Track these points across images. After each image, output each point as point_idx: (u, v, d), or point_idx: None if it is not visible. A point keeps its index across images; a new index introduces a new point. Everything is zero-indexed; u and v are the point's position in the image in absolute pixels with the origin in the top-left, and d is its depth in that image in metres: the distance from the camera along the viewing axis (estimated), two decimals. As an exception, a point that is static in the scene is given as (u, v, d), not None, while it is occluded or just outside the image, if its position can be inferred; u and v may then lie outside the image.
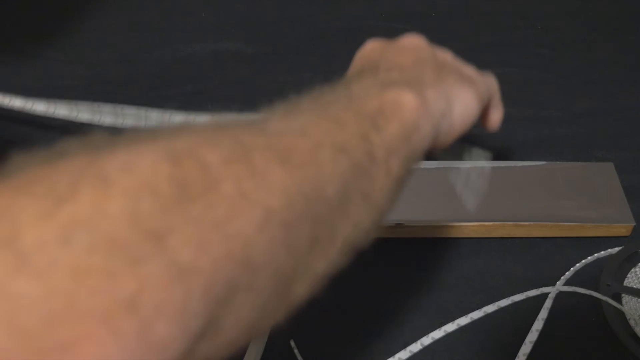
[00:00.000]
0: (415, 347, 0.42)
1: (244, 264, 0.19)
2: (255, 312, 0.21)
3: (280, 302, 0.23)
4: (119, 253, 0.17)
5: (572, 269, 0.47)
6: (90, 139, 0.19)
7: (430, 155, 0.31)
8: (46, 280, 0.16)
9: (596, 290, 0.44)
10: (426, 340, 0.42)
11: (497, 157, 0.54)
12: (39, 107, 0.54)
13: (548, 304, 0.44)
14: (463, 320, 0.43)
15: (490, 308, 0.44)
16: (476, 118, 0.34)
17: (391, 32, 0.68)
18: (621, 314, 0.43)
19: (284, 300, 0.23)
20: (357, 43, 0.69)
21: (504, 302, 0.44)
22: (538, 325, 0.43)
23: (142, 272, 0.17)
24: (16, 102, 0.54)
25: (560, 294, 0.45)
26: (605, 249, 0.48)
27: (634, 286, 0.45)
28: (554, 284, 0.45)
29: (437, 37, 0.67)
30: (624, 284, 0.45)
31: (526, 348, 0.42)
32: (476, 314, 0.43)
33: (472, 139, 0.57)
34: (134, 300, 0.17)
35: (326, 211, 0.23)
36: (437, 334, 0.43)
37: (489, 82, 0.38)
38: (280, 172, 0.21)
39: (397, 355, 0.42)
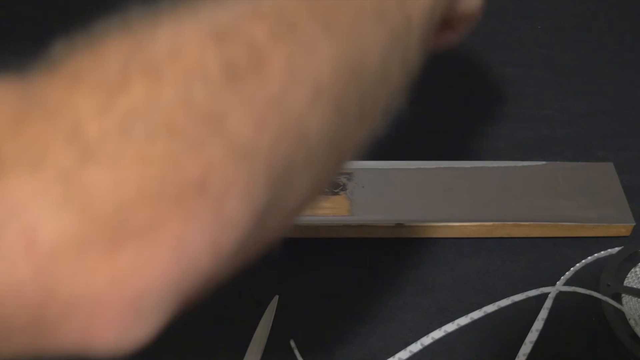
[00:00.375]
0: (415, 347, 0.42)
1: (300, 138, 0.19)
2: (312, 182, 0.21)
3: (332, 170, 0.23)
4: (180, 139, 0.17)
5: (572, 269, 0.47)
6: (128, 17, 0.19)
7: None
8: (115, 170, 0.16)
9: (596, 290, 0.44)
10: (426, 340, 0.42)
11: (497, 157, 0.54)
12: None
13: (548, 304, 0.44)
14: (463, 320, 0.43)
15: (490, 308, 0.44)
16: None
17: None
18: (621, 314, 0.43)
19: (335, 168, 0.23)
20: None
21: (504, 302, 0.44)
22: (538, 325, 0.43)
23: (205, 155, 0.17)
24: None
25: (560, 294, 0.45)
26: (605, 249, 0.48)
27: (634, 286, 0.45)
28: (554, 284, 0.45)
29: (437, 37, 0.68)
30: (624, 284, 0.45)
31: (526, 348, 0.42)
32: (476, 314, 0.43)
33: (476, 138, 0.57)
34: (202, 183, 0.17)
35: (370, 79, 0.22)
36: (437, 334, 0.43)
37: None
38: (327, 43, 0.20)
39: (397, 355, 0.42)
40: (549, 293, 0.44)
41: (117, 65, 0.17)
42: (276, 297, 0.46)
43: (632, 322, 0.43)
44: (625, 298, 0.44)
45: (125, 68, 0.17)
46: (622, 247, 0.47)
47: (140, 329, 0.18)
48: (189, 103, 0.17)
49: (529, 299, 0.44)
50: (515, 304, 0.44)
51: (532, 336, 0.42)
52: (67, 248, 0.16)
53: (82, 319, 0.17)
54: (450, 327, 0.43)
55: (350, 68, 0.21)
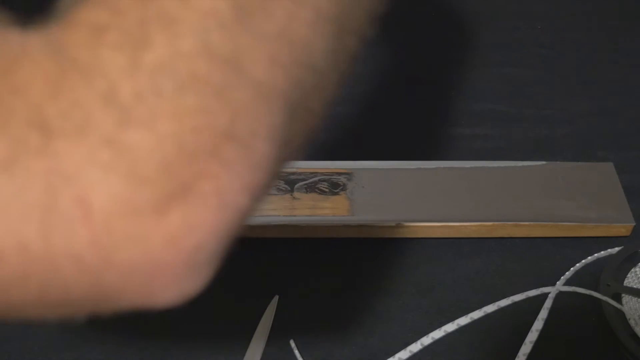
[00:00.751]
0: (415, 347, 0.42)
1: (309, 64, 0.20)
2: (321, 104, 0.22)
3: (336, 88, 0.23)
4: (206, 88, 0.17)
5: (572, 269, 0.47)
6: None
7: None
8: (153, 129, 0.16)
9: (596, 290, 0.44)
10: (426, 340, 0.42)
11: (497, 157, 0.54)
12: None
13: (548, 304, 0.44)
14: (463, 320, 0.43)
15: (490, 308, 0.44)
16: None
17: (391, 32, 0.68)
18: (621, 314, 0.43)
19: (338, 85, 0.23)
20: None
21: (504, 302, 0.44)
22: (538, 325, 0.43)
23: (231, 100, 0.17)
24: None
25: (560, 294, 0.45)
26: (605, 249, 0.48)
27: (634, 286, 0.45)
28: (554, 284, 0.45)
29: (437, 37, 0.68)
30: (624, 284, 0.45)
31: (526, 348, 0.42)
32: (476, 314, 0.43)
33: (476, 138, 0.57)
34: (231, 129, 0.17)
35: None
36: (437, 334, 0.43)
37: None
38: None
39: (397, 355, 0.42)
40: (549, 293, 0.44)
41: (135, 16, 0.17)
42: (276, 297, 0.46)
43: (632, 322, 0.43)
44: (625, 298, 0.44)
45: (143, 20, 0.17)
46: (622, 247, 0.47)
47: (197, 281, 0.19)
48: (209, 50, 0.17)
49: (529, 299, 0.44)
50: (515, 304, 0.44)
51: (532, 336, 0.42)
52: (120, 213, 0.16)
53: (141, 281, 0.18)
54: (450, 327, 0.43)
55: None
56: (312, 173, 0.51)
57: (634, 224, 0.48)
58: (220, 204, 0.17)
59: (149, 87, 0.17)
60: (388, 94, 0.61)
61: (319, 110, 0.22)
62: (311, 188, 0.50)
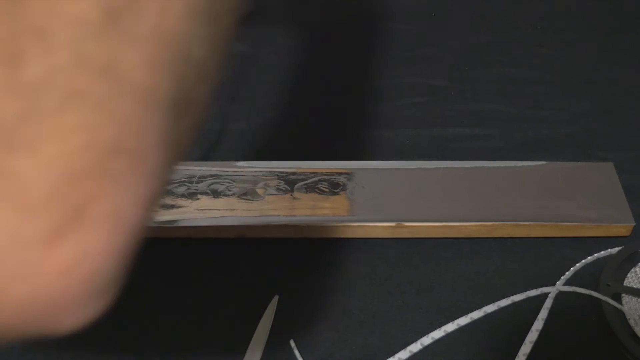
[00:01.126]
0: (415, 347, 0.42)
1: (188, 59, 0.19)
2: (206, 94, 0.21)
3: (218, 72, 0.22)
4: (86, 102, 0.16)
5: (572, 269, 0.47)
6: None
7: None
8: (39, 152, 0.15)
9: (596, 290, 0.44)
10: (426, 340, 0.42)
11: (497, 157, 0.54)
12: None
13: (548, 304, 0.44)
14: (463, 320, 0.43)
15: (490, 308, 0.44)
16: None
17: (391, 32, 0.68)
18: (621, 314, 0.43)
19: (220, 69, 0.22)
20: (357, 44, 0.69)
21: (504, 302, 0.44)
22: (538, 325, 0.43)
23: (114, 111, 0.16)
24: None
25: (560, 294, 0.45)
26: (605, 249, 0.48)
27: (634, 286, 0.45)
28: (554, 284, 0.45)
29: (437, 37, 0.68)
30: (624, 284, 0.45)
31: (526, 348, 0.42)
32: (476, 314, 0.43)
33: (476, 138, 0.57)
34: (118, 142, 0.16)
35: None
36: (437, 334, 0.43)
37: None
38: None
39: (397, 355, 0.42)
40: (549, 293, 0.44)
41: (6, 31, 0.16)
42: (276, 297, 0.46)
43: (632, 322, 0.43)
44: (625, 298, 0.44)
45: (14, 34, 0.16)
46: (622, 247, 0.47)
47: (99, 304, 0.18)
48: (84, 61, 0.16)
49: (529, 299, 0.44)
50: (515, 304, 0.44)
51: (532, 336, 0.42)
52: (9, 248, 0.16)
53: (39, 314, 0.17)
54: (450, 327, 0.43)
55: None
56: (312, 173, 0.51)
57: (634, 224, 0.48)
58: (115, 224, 0.17)
59: (31, 106, 0.16)
60: (388, 93, 0.61)
61: (204, 101, 0.21)
62: (311, 188, 0.50)
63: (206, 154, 0.55)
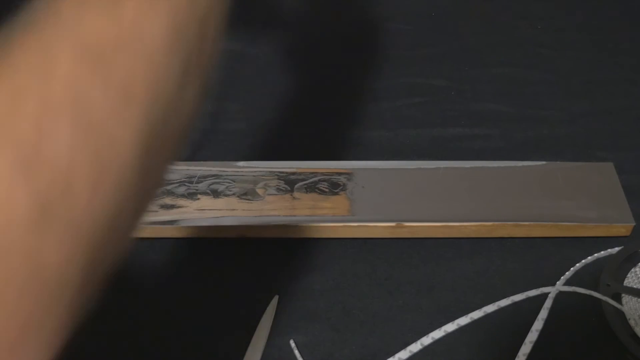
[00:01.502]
0: (415, 347, 0.42)
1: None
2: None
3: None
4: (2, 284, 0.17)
5: (572, 269, 0.47)
6: None
7: None
8: None
9: (596, 290, 0.44)
10: (426, 340, 0.42)
11: (497, 157, 0.54)
12: None
13: (548, 304, 0.44)
14: (463, 320, 0.43)
15: (490, 308, 0.44)
16: None
17: (391, 32, 0.68)
18: (621, 314, 0.43)
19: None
20: (357, 44, 0.69)
21: (504, 302, 0.44)
22: (538, 325, 0.43)
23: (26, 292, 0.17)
24: None
25: (560, 294, 0.45)
26: (605, 249, 0.48)
27: (634, 286, 0.45)
28: (554, 284, 0.45)
29: (437, 37, 0.68)
30: (624, 284, 0.45)
31: (526, 348, 0.42)
32: (476, 314, 0.43)
33: (476, 138, 0.57)
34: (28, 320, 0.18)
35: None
36: (437, 334, 0.43)
37: None
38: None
39: (397, 355, 0.42)
40: (549, 293, 0.44)
41: None
42: (276, 297, 0.46)
43: (632, 322, 0.43)
44: (625, 298, 0.44)
45: None
46: (622, 247, 0.47)
47: None
48: (7, 249, 0.17)
49: (529, 299, 0.44)
50: (515, 304, 0.44)
51: (532, 336, 0.42)
52: None
53: None
54: (450, 327, 0.43)
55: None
56: (312, 173, 0.51)
57: (634, 224, 0.48)
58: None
59: None
60: (388, 93, 0.61)
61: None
62: (311, 188, 0.50)
63: (206, 154, 0.55)
